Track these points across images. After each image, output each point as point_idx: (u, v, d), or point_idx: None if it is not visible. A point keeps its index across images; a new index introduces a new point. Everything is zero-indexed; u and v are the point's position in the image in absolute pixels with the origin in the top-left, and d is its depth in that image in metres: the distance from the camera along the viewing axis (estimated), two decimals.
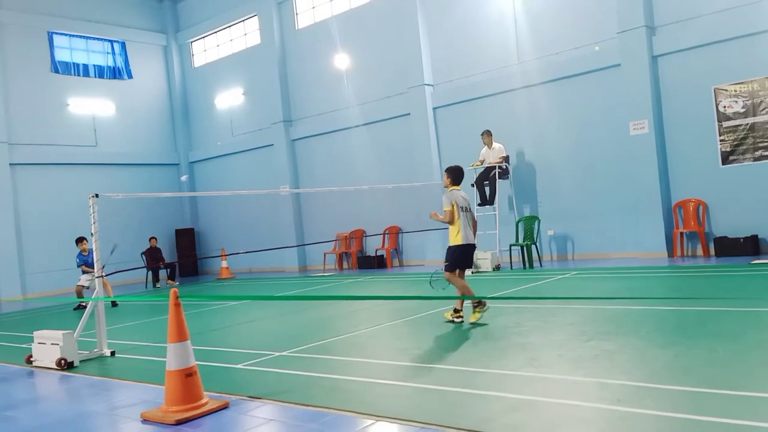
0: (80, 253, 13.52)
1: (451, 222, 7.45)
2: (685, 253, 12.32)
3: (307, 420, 4.32)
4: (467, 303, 7.55)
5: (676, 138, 12.47)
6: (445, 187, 7.71)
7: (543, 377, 4.78)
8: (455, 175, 7.66)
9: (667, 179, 12.60)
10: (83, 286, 13.21)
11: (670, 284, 9.62)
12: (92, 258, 14.18)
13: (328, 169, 18.36)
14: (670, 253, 12.34)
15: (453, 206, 7.43)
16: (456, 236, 7.47)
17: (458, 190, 7.63)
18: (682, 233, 12.29)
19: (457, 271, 7.56)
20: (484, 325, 7.05)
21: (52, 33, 19.72)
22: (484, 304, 7.19)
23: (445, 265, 7.55)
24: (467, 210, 7.56)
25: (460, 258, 7.50)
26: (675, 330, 6.13)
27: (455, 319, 7.35)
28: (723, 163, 11.94)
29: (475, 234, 7.64)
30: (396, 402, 4.59)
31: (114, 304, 12.95)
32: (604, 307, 7.45)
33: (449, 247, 7.57)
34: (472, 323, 7.13)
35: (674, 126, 12.49)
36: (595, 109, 13.33)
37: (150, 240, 18.88)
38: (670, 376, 4.55)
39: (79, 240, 13.52)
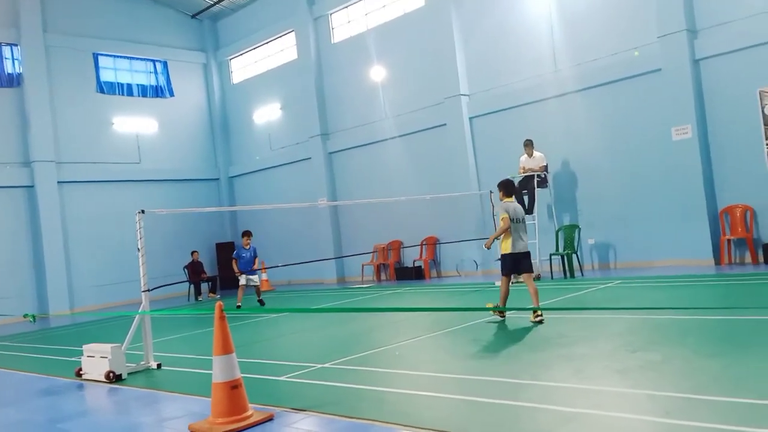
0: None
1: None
2: (732, 261, 11.98)
3: None
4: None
5: (721, 142, 12.17)
6: (500, 199, 8.34)
7: (590, 389, 4.71)
8: (506, 188, 8.30)
9: (713, 185, 12.30)
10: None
11: (718, 293, 9.37)
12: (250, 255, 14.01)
13: (365, 181, 18.46)
14: (717, 260, 12.01)
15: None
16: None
17: (512, 201, 8.21)
18: (729, 240, 11.96)
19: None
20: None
21: (98, 54, 20.34)
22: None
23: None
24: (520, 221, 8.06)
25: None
26: (723, 340, 5.97)
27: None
28: None
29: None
30: (443, 414, 4.57)
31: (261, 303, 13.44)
32: (649, 317, 7.29)
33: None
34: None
35: (719, 130, 12.19)
36: (635, 115, 13.10)
37: (192, 254, 19.26)
38: (720, 388, 4.44)
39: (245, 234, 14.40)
